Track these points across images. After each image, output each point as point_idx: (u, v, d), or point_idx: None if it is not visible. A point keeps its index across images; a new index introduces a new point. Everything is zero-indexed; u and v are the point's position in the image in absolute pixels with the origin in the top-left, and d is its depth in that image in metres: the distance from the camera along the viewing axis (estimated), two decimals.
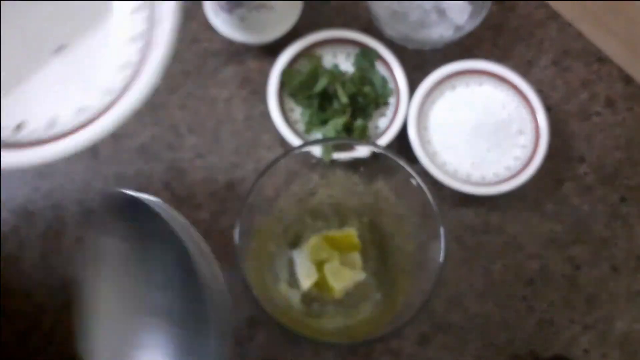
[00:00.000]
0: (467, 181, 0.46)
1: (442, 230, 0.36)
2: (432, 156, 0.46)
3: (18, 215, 0.46)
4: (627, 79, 0.50)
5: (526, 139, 0.47)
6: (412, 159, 0.47)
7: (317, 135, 0.48)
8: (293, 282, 0.42)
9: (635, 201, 0.48)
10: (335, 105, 0.48)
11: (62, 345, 0.44)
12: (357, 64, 0.49)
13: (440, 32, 0.48)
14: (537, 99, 0.47)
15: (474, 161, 0.47)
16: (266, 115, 0.47)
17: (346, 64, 0.49)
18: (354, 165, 0.42)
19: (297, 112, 0.48)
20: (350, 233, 0.43)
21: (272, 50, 0.50)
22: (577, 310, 0.46)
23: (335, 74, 0.48)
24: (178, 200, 0.46)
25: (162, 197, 0.46)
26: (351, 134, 0.47)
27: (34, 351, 0.44)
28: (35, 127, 0.33)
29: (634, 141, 0.49)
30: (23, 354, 0.44)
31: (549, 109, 0.49)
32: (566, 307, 0.46)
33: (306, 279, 0.42)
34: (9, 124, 0.33)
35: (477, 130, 0.47)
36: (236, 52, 0.50)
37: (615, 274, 0.46)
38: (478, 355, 0.45)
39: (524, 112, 0.48)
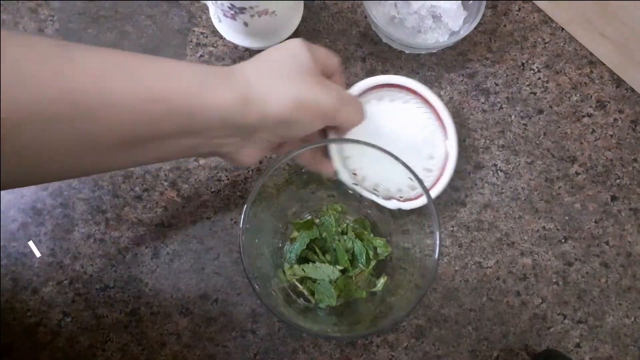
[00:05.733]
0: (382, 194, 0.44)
1: (437, 228, 0.36)
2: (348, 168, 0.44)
3: (26, 213, 0.47)
4: (618, 82, 0.52)
5: (434, 165, 0.45)
6: None
7: None
8: None
9: (626, 200, 0.49)
10: None
11: (68, 341, 0.45)
12: None
13: (436, 37, 0.49)
14: (453, 128, 0.44)
15: (385, 175, 0.43)
16: None
17: None
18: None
19: None
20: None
21: None
22: (569, 305, 0.47)
23: None
24: (184, 199, 0.48)
25: (168, 197, 0.48)
26: None
27: (40, 346, 0.45)
28: None
29: (625, 142, 0.50)
30: (30, 348, 0.45)
31: (541, 110, 0.51)
32: (558, 303, 0.47)
33: None
34: None
35: (393, 145, 0.42)
36: (240, 56, 0.51)
37: (606, 270, 0.48)
38: (472, 348, 0.46)
39: (439, 139, 0.45)
